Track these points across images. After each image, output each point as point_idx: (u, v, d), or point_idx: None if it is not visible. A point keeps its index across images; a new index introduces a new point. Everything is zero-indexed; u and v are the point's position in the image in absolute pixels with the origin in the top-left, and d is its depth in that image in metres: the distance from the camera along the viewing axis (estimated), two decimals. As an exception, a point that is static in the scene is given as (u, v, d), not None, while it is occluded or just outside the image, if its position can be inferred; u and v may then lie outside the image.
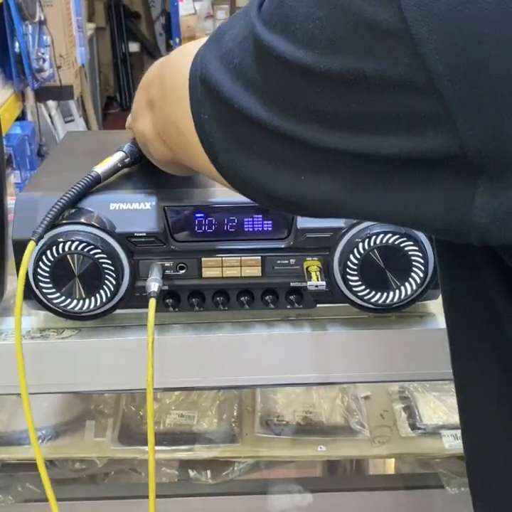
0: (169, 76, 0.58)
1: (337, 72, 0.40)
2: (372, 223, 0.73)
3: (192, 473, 0.98)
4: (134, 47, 5.36)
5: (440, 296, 0.80)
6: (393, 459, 1.13)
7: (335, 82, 0.40)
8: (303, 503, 1.07)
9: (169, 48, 4.97)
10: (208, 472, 0.98)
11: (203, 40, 0.52)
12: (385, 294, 0.75)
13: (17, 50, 2.40)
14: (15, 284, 0.83)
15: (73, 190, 0.74)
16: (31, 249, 0.71)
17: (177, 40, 4.17)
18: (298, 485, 1.07)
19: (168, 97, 0.58)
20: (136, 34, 5.36)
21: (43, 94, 2.72)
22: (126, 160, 0.79)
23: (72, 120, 3.19)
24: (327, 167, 0.43)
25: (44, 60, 2.52)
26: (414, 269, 0.74)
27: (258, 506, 1.06)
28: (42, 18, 2.55)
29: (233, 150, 0.49)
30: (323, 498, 1.08)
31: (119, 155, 0.79)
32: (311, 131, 0.42)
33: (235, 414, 1.03)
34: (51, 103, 2.90)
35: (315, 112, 0.42)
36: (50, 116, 2.89)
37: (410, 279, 0.74)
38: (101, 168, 0.77)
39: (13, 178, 2.31)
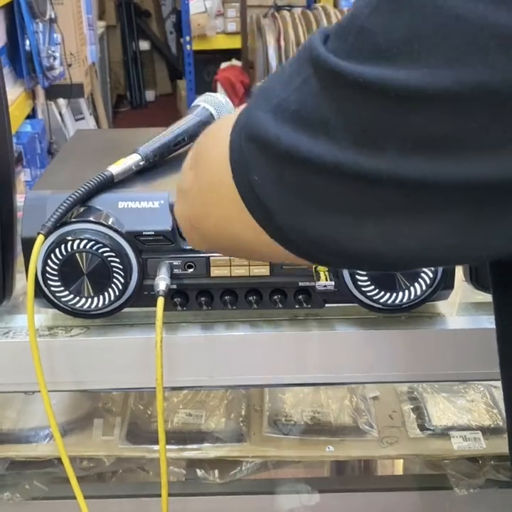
0: (203, 151, 0.51)
1: (453, 89, 0.35)
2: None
3: (200, 472, 0.97)
4: (144, 45, 5.37)
5: (450, 296, 0.80)
6: (401, 460, 1.13)
7: (450, 100, 0.36)
8: (310, 502, 1.07)
9: (180, 46, 4.97)
10: (216, 471, 0.98)
11: (237, 111, 0.47)
12: (394, 294, 0.74)
13: (28, 48, 2.41)
14: (22, 283, 0.84)
15: (85, 187, 0.74)
16: (40, 243, 0.71)
17: (187, 38, 4.17)
18: (305, 485, 1.06)
19: (201, 178, 0.51)
20: (146, 32, 5.37)
21: (54, 92, 2.72)
22: (141, 163, 0.79)
23: (83, 118, 3.20)
24: (436, 206, 0.38)
25: (54, 58, 2.53)
26: (424, 269, 0.73)
27: (265, 506, 1.05)
28: (52, 16, 2.56)
29: (299, 209, 0.42)
30: (331, 498, 1.07)
31: (134, 158, 0.79)
32: (414, 164, 0.37)
33: (242, 413, 1.03)
34: (61, 101, 2.91)
35: (420, 140, 0.37)
36: (60, 114, 2.90)
37: (420, 280, 0.74)
38: (116, 168, 0.77)
39: (23, 176, 2.32)
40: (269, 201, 0.43)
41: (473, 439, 0.98)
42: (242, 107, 0.46)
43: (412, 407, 1.04)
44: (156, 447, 0.95)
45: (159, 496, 0.74)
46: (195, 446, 0.97)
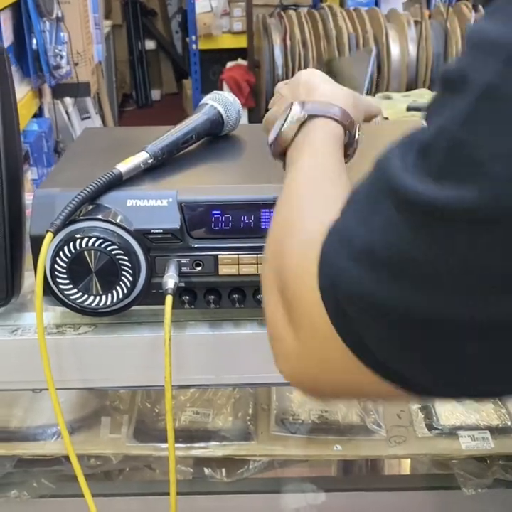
0: (293, 300, 0.46)
1: None
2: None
3: (207, 470, 0.97)
4: (150, 44, 5.38)
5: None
6: (408, 459, 1.13)
7: None
8: (316, 502, 1.06)
9: (185, 45, 4.97)
10: (223, 470, 0.98)
11: (292, 232, 0.45)
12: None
13: (34, 46, 2.41)
14: (29, 280, 0.84)
15: (94, 185, 0.74)
16: (49, 241, 0.71)
17: (193, 37, 4.17)
18: (311, 484, 1.06)
19: (304, 342, 0.46)
20: (152, 32, 5.37)
21: (60, 91, 2.73)
22: (150, 161, 0.79)
23: (89, 117, 3.21)
24: None
25: (61, 57, 2.53)
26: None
27: (271, 505, 1.05)
28: (59, 15, 2.56)
29: (418, 358, 0.38)
30: (337, 497, 1.07)
31: (142, 156, 0.79)
32: None
33: (250, 412, 1.03)
34: (68, 100, 2.92)
35: None
36: (66, 113, 2.90)
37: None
38: (124, 166, 0.77)
39: (30, 174, 2.32)
40: (389, 360, 0.39)
41: (482, 439, 0.97)
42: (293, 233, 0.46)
43: (420, 406, 1.04)
44: (163, 445, 0.95)
45: (166, 494, 0.74)
46: (202, 444, 0.97)
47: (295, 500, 1.05)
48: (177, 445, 0.95)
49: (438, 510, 1.04)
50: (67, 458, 0.96)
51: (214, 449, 0.97)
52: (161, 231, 0.75)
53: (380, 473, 1.22)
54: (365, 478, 1.19)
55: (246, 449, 0.98)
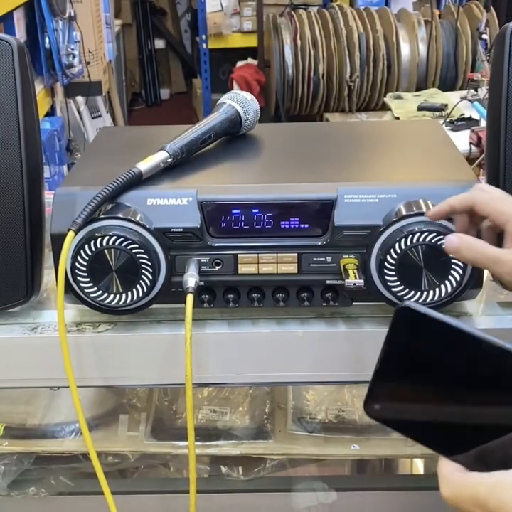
0: None
1: None
2: (412, 221, 0.72)
3: (224, 469, 0.98)
4: (159, 43, 5.38)
5: (478, 295, 0.80)
6: (422, 459, 1.12)
7: None
8: (327, 500, 1.06)
9: (194, 44, 4.97)
10: (240, 468, 0.98)
11: None
12: (423, 293, 0.74)
13: (47, 45, 2.42)
14: (47, 278, 0.84)
15: (114, 184, 0.74)
16: (70, 239, 0.71)
17: (203, 36, 4.17)
18: (323, 483, 1.06)
19: None
20: (161, 31, 5.38)
21: (72, 89, 2.73)
22: (169, 160, 0.79)
23: (100, 116, 3.21)
24: None
25: (74, 56, 2.53)
26: (452, 268, 0.73)
27: (286, 503, 1.05)
28: (72, 14, 2.57)
29: None
30: (349, 496, 1.07)
31: (161, 155, 0.79)
32: None
33: (266, 411, 1.03)
34: (80, 99, 2.92)
35: None
36: (78, 111, 2.91)
37: (449, 278, 0.73)
38: (144, 165, 0.77)
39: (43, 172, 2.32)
40: None
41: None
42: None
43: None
44: (181, 443, 0.96)
45: (183, 492, 0.74)
46: (219, 442, 0.98)
47: (309, 499, 1.05)
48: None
49: (452, 510, 1.03)
50: (84, 455, 0.97)
51: (231, 448, 0.97)
52: (181, 230, 0.75)
53: (393, 472, 1.21)
54: (378, 477, 1.19)
55: (263, 448, 0.98)
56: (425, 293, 0.74)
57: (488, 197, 0.67)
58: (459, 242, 0.65)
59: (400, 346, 0.53)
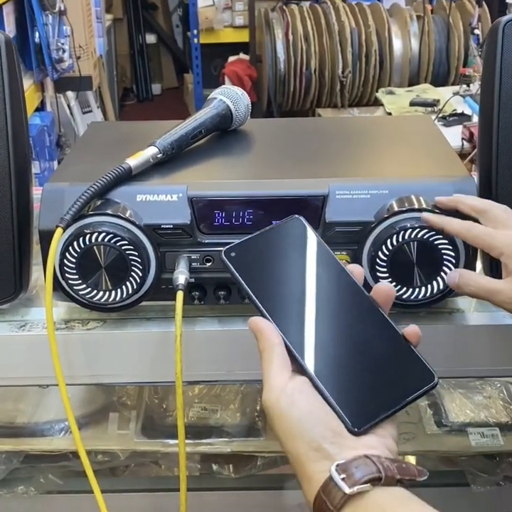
0: None
1: None
2: (404, 217, 0.72)
3: (215, 467, 0.97)
4: (151, 38, 5.35)
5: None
6: (415, 456, 1.12)
7: None
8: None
9: (186, 39, 4.96)
10: (231, 466, 0.98)
11: None
12: (415, 290, 0.74)
13: (37, 40, 2.40)
14: (35, 274, 0.83)
15: (103, 179, 0.73)
16: (59, 236, 0.70)
17: (195, 31, 4.15)
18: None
19: None
20: (153, 25, 5.35)
21: (63, 84, 2.71)
22: (159, 156, 0.78)
23: (90, 111, 3.19)
24: None
25: (64, 51, 2.51)
26: (444, 264, 0.72)
27: (277, 501, 1.05)
28: (62, 9, 2.55)
29: None
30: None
31: (151, 150, 0.78)
32: None
33: (257, 408, 1.02)
34: (70, 94, 2.90)
35: None
36: (69, 106, 2.89)
37: (442, 274, 0.73)
38: (134, 161, 0.76)
39: (32, 168, 2.31)
40: None
41: (491, 436, 0.97)
42: None
43: (428, 403, 1.03)
44: (171, 441, 0.95)
45: (173, 490, 0.73)
46: (210, 440, 0.97)
47: (300, 497, 1.04)
48: (185, 441, 0.95)
49: (446, 508, 1.03)
50: (74, 454, 0.96)
51: (222, 445, 0.97)
52: (171, 226, 0.74)
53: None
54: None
55: (255, 445, 0.97)
56: (417, 289, 0.74)
57: (478, 234, 0.68)
58: (458, 279, 0.68)
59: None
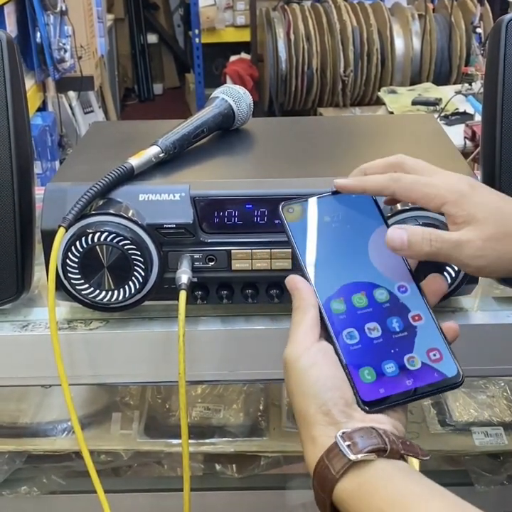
0: None
1: None
2: (407, 216, 0.72)
3: (218, 466, 0.97)
4: (152, 38, 5.36)
5: (474, 291, 0.79)
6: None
7: None
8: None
9: (187, 39, 4.96)
10: (234, 466, 0.97)
11: None
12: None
13: (38, 40, 2.40)
14: (38, 274, 0.83)
15: (106, 179, 0.73)
16: (61, 236, 0.70)
17: (196, 31, 4.15)
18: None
19: None
20: (154, 25, 5.35)
21: (64, 84, 2.71)
22: (161, 155, 0.78)
23: (92, 111, 3.19)
24: None
25: (65, 51, 2.51)
26: (448, 263, 0.72)
27: (281, 500, 1.05)
28: (63, 9, 2.55)
29: None
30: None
31: (154, 149, 0.78)
32: None
33: (261, 408, 1.02)
34: (72, 94, 2.90)
35: None
36: (70, 106, 2.89)
37: (444, 274, 0.73)
38: (136, 160, 0.76)
39: (34, 168, 2.31)
40: None
41: (495, 435, 0.97)
42: None
43: (432, 402, 1.03)
44: (174, 441, 0.95)
45: (176, 490, 0.73)
46: (213, 440, 0.97)
47: (304, 497, 1.04)
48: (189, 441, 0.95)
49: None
50: (77, 454, 0.96)
51: (225, 445, 0.96)
52: (174, 226, 0.74)
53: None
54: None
55: (258, 445, 0.97)
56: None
57: (411, 182, 0.59)
58: (406, 234, 0.57)
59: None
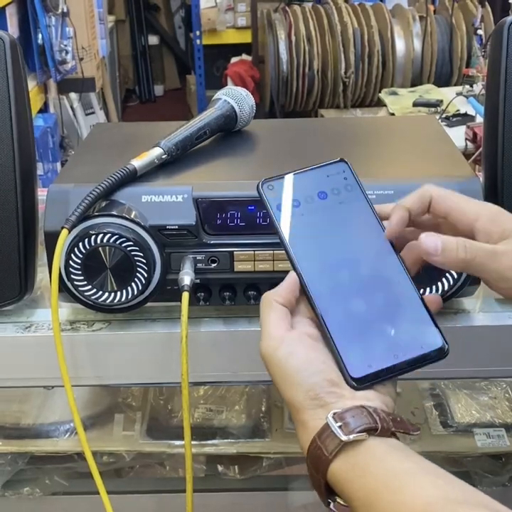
0: None
1: None
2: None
3: (220, 468, 0.97)
4: (153, 40, 5.36)
5: (476, 292, 0.79)
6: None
7: None
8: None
9: (188, 40, 4.96)
10: (236, 467, 0.97)
11: None
12: (420, 290, 0.73)
13: (40, 41, 2.40)
14: (40, 275, 0.83)
15: (108, 180, 0.73)
16: (64, 237, 0.70)
17: (197, 32, 4.16)
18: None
19: None
20: (155, 27, 5.36)
21: (65, 86, 2.72)
22: (164, 157, 0.78)
23: (93, 112, 3.20)
24: None
25: (67, 52, 2.52)
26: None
27: (283, 501, 1.05)
28: (65, 10, 2.55)
29: None
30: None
31: (156, 151, 0.78)
32: None
33: (263, 409, 1.02)
34: (73, 95, 2.91)
35: None
36: (72, 108, 2.89)
37: (447, 275, 0.73)
38: (138, 162, 0.76)
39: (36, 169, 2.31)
40: None
41: (497, 437, 0.97)
42: None
43: (434, 403, 1.03)
44: (177, 442, 0.95)
45: (179, 491, 0.74)
46: (216, 441, 0.97)
47: (305, 498, 1.04)
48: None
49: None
50: (79, 455, 0.96)
51: (227, 446, 0.96)
52: (177, 227, 0.74)
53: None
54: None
55: (260, 447, 0.97)
56: (422, 290, 0.73)
57: (448, 192, 0.59)
58: (440, 241, 0.56)
59: None
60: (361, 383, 0.54)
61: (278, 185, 0.61)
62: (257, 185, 0.61)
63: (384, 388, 0.55)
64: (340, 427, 0.51)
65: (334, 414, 0.52)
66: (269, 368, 0.57)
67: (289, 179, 0.62)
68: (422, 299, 0.58)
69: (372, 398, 0.54)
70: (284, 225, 0.60)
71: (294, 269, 0.59)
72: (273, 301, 0.58)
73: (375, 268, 0.59)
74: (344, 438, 0.51)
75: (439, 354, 0.56)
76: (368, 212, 0.61)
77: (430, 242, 0.57)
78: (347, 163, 0.63)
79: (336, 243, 0.59)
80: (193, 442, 0.96)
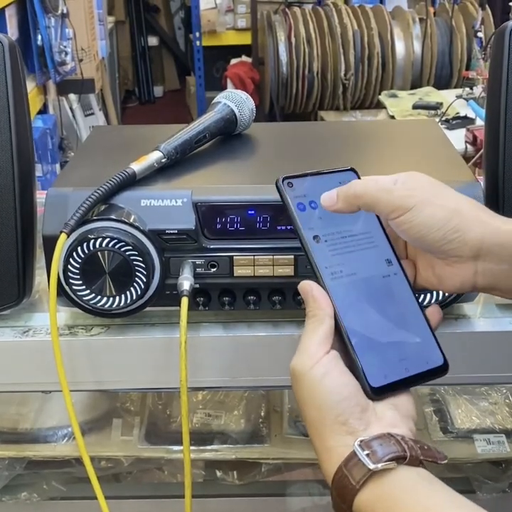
0: None
1: None
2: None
3: (219, 473, 0.96)
4: (153, 41, 5.37)
5: (476, 298, 0.79)
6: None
7: None
8: (322, 502, 1.06)
9: (188, 41, 4.96)
10: (235, 473, 0.97)
11: None
12: (420, 295, 0.73)
13: (39, 43, 2.40)
14: (38, 279, 0.83)
15: (107, 184, 0.72)
16: (63, 241, 0.70)
17: (197, 34, 4.15)
18: (319, 486, 1.05)
19: None
20: (155, 28, 5.36)
21: (65, 87, 2.71)
22: (163, 160, 0.78)
23: (92, 114, 3.19)
24: None
25: (66, 53, 2.51)
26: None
27: (279, 507, 1.04)
28: (64, 11, 2.55)
29: None
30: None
31: (156, 155, 0.78)
32: None
33: (262, 414, 1.02)
34: (72, 96, 2.90)
35: None
36: (71, 109, 2.89)
37: (448, 281, 0.72)
38: (138, 165, 0.75)
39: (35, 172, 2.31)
40: None
41: (497, 443, 0.96)
42: None
43: (434, 409, 1.03)
44: (175, 448, 0.95)
45: (178, 497, 0.73)
46: (215, 447, 0.96)
47: (303, 503, 1.04)
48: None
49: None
50: (77, 460, 0.96)
51: (226, 452, 0.96)
52: (176, 231, 0.74)
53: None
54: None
55: (259, 452, 0.97)
56: (423, 295, 0.73)
57: (362, 182, 0.60)
58: (338, 193, 0.59)
59: None
60: (378, 394, 0.54)
61: (297, 183, 0.61)
62: (276, 182, 0.61)
63: (406, 410, 0.55)
64: (367, 455, 0.50)
65: (361, 441, 0.51)
66: (297, 385, 0.55)
67: (307, 179, 0.61)
68: (425, 316, 0.60)
69: (398, 424, 0.53)
70: (305, 226, 0.59)
71: (314, 272, 0.58)
72: (327, 317, 0.56)
73: (385, 281, 0.60)
74: (372, 466, 0.49)
75: (442, 370, 0.58)
76: (375, 223, 0.61)
77: (325, 196, 0.59)
78: (356, 173, 0.63)
79: (350, 251, 0.60)
80: (192, 447, 0.96)
